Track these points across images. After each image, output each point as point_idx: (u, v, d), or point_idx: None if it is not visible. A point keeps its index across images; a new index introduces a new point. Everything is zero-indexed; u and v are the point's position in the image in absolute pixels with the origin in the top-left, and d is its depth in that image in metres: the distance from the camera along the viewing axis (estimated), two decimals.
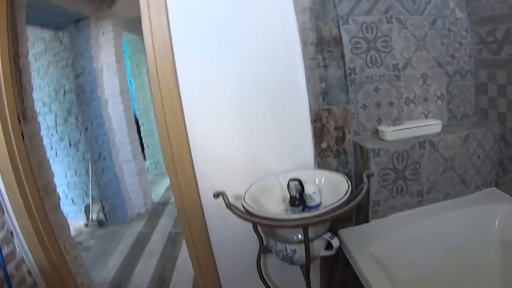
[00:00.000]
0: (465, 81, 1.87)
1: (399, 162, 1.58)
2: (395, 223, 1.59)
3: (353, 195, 1.37)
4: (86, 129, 3.43)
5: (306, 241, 1.31)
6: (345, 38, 1.61)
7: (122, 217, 3.63)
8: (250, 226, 1.57)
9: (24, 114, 2.14)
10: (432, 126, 1.68)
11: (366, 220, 1.65)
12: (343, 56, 1.60)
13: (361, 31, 1.64)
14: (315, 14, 1.54)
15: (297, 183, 1.40)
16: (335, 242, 1.42)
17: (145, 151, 4.99)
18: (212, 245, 1.74)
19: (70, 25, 3.35)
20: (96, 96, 3.38)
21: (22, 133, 1.91)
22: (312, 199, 1.42)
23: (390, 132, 1.60)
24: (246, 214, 1.33)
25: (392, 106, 1.73)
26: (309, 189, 1.42)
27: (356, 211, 1.74)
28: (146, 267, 2.70)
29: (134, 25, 4.98)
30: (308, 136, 1.61)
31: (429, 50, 1.77)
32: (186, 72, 1.51)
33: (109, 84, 3.50)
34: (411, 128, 1.64)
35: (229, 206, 1.38)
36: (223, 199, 1.41)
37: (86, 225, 3.53)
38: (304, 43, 1.54)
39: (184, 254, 2.83)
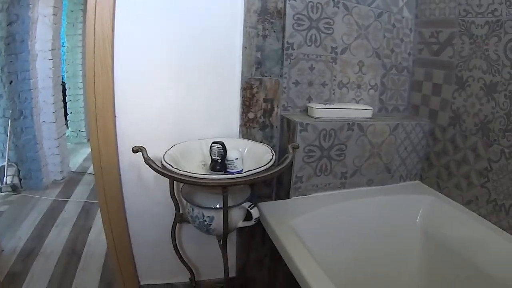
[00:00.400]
0: (400, 76, 1.91)
1: (326, 141, 1.57)
2: (316, 202, 1.57)
3: (276, 165, 1.33)
4: (11, 83, 3.17)
5: (225, 203, 1.25)
6: (289, 12, 1.58)
7: (37, 183, 3.40)
8: (166, 194, 1.51)
9: None
10: (362, 111, 1.69)
11: (287, 197, 1.61)
12: (283, 29, 1.58)
13: (306, 9, 1.62)
14: None
15: (220, 146, 1.34)
16: (254, 212, 1.38)
17: (67, 117, 4.66)
18: (126, 213, 1.65)
19: None
20: (26, 48, 3.14)
21: None
22: (234, 165, 1.36)
23: (320, 110, 1.59)
24: (166, 171, 1.25)
25: (325, 87, 1.73)
26: (231, 154, 1.36)
27: (276, 187, 1.72)
28: (58, 237, 2.53)
29: None
30: (236, 104, 1.56)
31: (370, 40, 1.79)
32: (123, 22, 1.41)
33: (41, 37, 3.26)
34: (342, 109, 1.64)
35: (147, 160, 1.30)
36: (142, 154, 1.32)
37: (0, 189, 3.28)
38: (247, 10, 1.49)
39: (97, 227, 2.71)
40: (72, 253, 2.34)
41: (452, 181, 1.67)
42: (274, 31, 1.55)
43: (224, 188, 1.22)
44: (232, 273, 1.71)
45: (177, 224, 1.58)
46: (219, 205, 1.33)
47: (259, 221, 1.46)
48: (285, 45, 1.60)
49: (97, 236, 2.58)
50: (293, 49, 1.63)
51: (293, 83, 1.66)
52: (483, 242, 1.42)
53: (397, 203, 1.69)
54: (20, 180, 3.39)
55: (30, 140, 3.33)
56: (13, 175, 3.36)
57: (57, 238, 2.52)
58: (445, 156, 1.71)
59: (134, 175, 1.58)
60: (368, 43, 1.79)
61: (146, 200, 1.63)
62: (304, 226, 1.41)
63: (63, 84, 4.16)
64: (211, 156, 1.38)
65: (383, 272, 1.60)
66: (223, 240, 1.41)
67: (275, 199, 1.71)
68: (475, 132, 1.56)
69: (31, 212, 2.91)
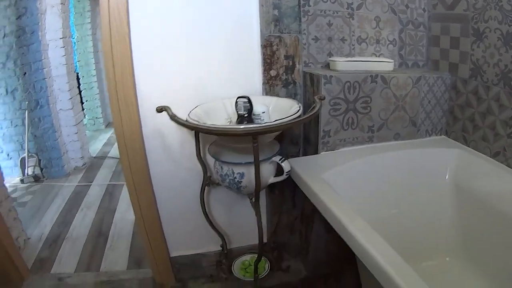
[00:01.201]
0: (417, 32, 1.87)
1: (351, 93, 1.54)
2: (345, 157, 1.54)
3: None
4: (24, 75, 3.18)
5: (256, 155, 1.22)
6: None
7: (58, 171, 3.44)
8: (192, 159, 1.50)
9: None
10: (384, 64, 1.66)
11: (315, 153, 1.59)
12: None
13: None
14: None
15: (246, 100, 1.32)
16: (285, 165, 1.35)
17: (83, 106, 4.69)
18: (152, 183, 1.63)
19: None
20: (36, 39, 3.16)
21: None
22: (261, 119, 1.34)
23: (342, 63, 1.56)
24: (193, 126, 1.22)
25: (344, 42, 1.71)
26: (258, 108, 1.34)
27: (304, 145, 1.69)
28: (84, 220, 2.54)
29: None
30: (257, 62, 1.54)
31: None
32: None
33: (51, 27, 3.28)
34: (364, 61, 1.62)
35: (173, 117, 1.27)
36: (167, 112, 1.30)
37: (22, 181, 3.29)
38: None
39: (122, 207, 2.73)
40: (99, 235, 2.35)
41: (478, 134, 1.63)
42: None
43: (254, 139, 1.19)
44: (263, 239, 1.70)
45: (205, 189, 1.56)
46: (249, 160, 1.30)
47: (289, 180, 1.44)
48: (301, 2, 1.58)
49: (123, 216, 2.59)
50: (309, 5, 1.61)
51: (312, 39, 1.64)
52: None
53: (425, 157, 1.66)
54: (41, 169, 3.42)
55: (48, 129, 3.35)
56: (34, 166, 3.39)
57: (83, 222, 2.52)
58: (469, 108, 1.67)
59: (158, 142, 1.57)
60: None
61: (172, 167, 1.61)
62: (335, 179, 1.38)
63: (76, 74, 4.17)
64: (237, 112, 1.36)
65: (414, 224, 1.58)
66: (255, 198, 1.38)
67: (303, 155, 1.69)
68: (496, 82, 1.52)
69: (55, 200, 2.93)
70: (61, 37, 3.36)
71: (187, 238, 1.76)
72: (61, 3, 3.29)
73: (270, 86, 1.56)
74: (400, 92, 1.65)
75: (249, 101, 1.32)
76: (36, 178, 3.35)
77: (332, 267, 1.84)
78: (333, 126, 1.56)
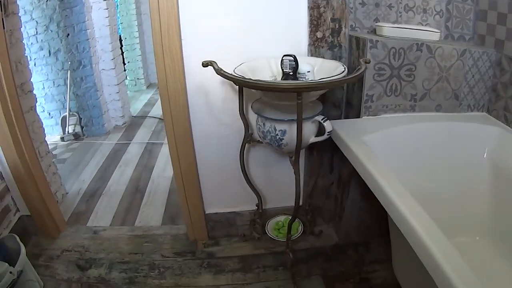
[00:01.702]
0: (465, 5, 1.83)
1: (395, 59, 1.53)
2: (387, 122, 1.54)
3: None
4: (68, 36, 3.26)
5: (299, 112, 1.23)
6: None
7: (99, 129, 3.54)
8: (233, 117, 1.53)
9: (5, 7, 2.01)
10: (430, 33, 1.64)
11: (357, 117, 1.60)
12: None
13: None
14: None
15: (291, 58, 1.33)
16: (327, 125, 1.36)
17: (125, 67, 4.81)
18: (193, 139, 1.67)
19: None
20: (80, 1, 3.22)
21: (3, 25, 1.79)
22: (306, 78, 1.36)
23: (389, 28, 1.55)
24: (239, 79, 1.24)
25: (391, 9, 1.69)
26: (303, 67, 1.35)
27: (346, 109, 1.70)
28: (122, 177, 2.63)
29: None
30: (304, 23, 1.54)
31: None
32: None
33: None
34: (410, 29, 1.60)
35: (219, 71, 1.29)
36: (213, 66, 1.32)
37: (62, 139, 3.40)
38: None
39: (160, 165, 2.81)
40: (136, 191, 2.42)
41: None
42: None
43: (298, 95, 1.20)
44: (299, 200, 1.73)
45: (245, 147, 1.59)
46: (291, 118, 1.32)
47: (328, 144, 1.46)
48: None
49: (160, 174, 2.66)
50: None
51: (359, 3, 1.63)
52: None
53: (466, 131, 1.64)
54: (82, 128, 3.53)
55: (90, 88, 3.44)
56: (75, 124, 3.51)
57: (120, 178, 2.61)
58: None
59: (201, 98, 1.60)
60: None
61: (214, 123, 1.65)
62: (375, 144, 1.38)
63: (119, 36, 4.26)
64: (282, 70, 1.37)
65: (448, 199, 1.58)
66: (295, 157, 1.40)
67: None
68: None
69: (94, 157, 3.03)
70: None
71: (223, 195, 1.81)
72: None
73: (316, 48, 1.57)
74: (444, 63, 1.63)
75: (295, 60, 1.33)
76: (76, 136, 3.45)
77: (363, 236, 1.86)
78: (377, 91, 1.56)
